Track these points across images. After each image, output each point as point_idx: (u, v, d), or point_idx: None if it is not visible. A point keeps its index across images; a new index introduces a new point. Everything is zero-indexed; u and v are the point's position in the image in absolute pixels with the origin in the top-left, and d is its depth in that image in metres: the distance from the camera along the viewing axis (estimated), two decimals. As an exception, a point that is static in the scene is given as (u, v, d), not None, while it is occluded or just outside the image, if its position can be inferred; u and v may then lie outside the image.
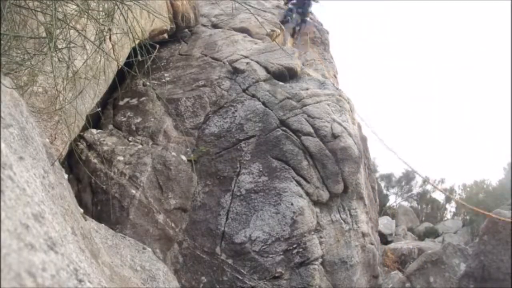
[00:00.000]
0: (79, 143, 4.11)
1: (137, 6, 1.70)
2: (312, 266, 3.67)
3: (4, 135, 0.94)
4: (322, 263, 3.84)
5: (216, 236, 3.78)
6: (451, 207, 16.77)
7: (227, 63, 5.20)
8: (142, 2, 1.73)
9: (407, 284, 5.27)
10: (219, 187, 4.05)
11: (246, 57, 5.29)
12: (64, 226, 1.10)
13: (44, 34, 1.43)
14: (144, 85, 5.06)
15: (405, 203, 17.23)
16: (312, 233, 3.82)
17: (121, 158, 4.00)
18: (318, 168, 4.14)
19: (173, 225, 3.78)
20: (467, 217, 13.65)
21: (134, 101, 4.85)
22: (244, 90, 4.75)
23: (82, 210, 2.27)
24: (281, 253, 3.65)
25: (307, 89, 4.84)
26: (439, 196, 17.02)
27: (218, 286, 3.58)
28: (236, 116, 4.47)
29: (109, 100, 5.01)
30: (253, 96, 4.64)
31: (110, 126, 4.59)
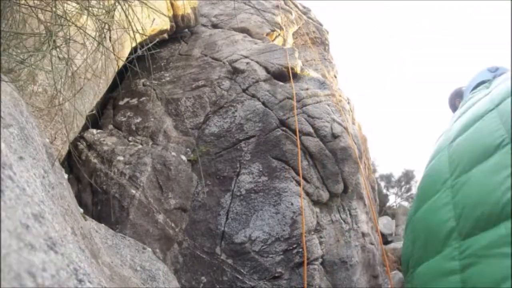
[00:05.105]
0: (79, 143, 4.11)
1: (137, 4, 1.69)
2: (312, 266, 3.66)
3: (4, 135, 0.93)
4: (322, 263, 3.83)
5: (216, 236, 3.77)
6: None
7: (227, 63, 5.19)
8: (142, 0, 1.73)
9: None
10: (219, 187, 4.04)
11: (246, 57, 5.28)
12: (64, 226, 1.10)
13: (44, 33, 1.43)
14: (144, 85, 5.05)
15: (405, 203, 17.22)
16: (312, 233, 3.81)
17: (121, 158, 4.00)
18: (318, 168, 4.13)
19: (173, 225, 3.77)
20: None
21: (134, 101, 4.85)
22: (244, 90, 4.74)
23: (82, 210, 2.26)
24: (281, 253, 3.64)
25: (307, 89, 4.84)
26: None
27: (218, 286, 3.58)
28: (236, 116, 4.46)
29: (109, 100, 5.01)
30: (253, 96, 4.64)
31: (110, 126, 4.59)
